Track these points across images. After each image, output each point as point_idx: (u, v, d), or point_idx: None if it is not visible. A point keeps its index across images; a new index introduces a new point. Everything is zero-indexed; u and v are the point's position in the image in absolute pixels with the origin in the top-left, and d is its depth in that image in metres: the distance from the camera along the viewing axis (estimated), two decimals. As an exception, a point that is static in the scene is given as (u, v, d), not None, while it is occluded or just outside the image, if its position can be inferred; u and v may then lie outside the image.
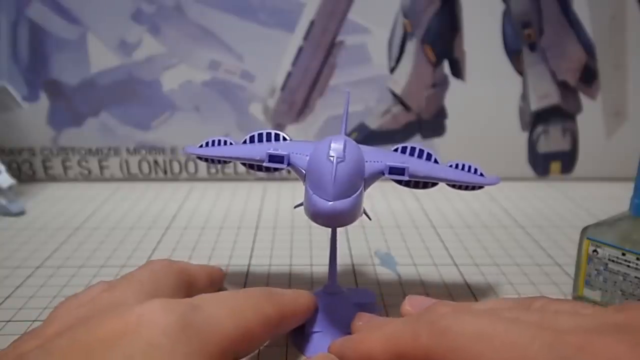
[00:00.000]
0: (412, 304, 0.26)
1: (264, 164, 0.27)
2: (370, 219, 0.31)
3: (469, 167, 0.28)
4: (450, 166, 0.28)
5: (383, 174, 0.26)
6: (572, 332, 0.17)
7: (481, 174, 0.28)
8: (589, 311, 0.20)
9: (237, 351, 0.22)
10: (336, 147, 0.24)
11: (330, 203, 0.24)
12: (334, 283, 0.30)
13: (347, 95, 0.30)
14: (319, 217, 0.24)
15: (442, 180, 0.27)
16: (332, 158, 0.24)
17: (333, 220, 0.25)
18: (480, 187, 0.29)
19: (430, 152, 0.27)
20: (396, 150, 0.28)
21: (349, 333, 0.27)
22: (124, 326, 0.19)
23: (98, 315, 0.20)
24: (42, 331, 0.21)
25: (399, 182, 0.27)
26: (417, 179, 0.27)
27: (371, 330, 0.23)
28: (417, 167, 0.26)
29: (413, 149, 0.27)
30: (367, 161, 0.26)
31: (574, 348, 0.17)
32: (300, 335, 0.28)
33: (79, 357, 0.18)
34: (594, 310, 0.20)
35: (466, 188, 0.29)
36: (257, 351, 0.27)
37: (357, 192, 0.25)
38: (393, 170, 0.26)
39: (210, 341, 0.20)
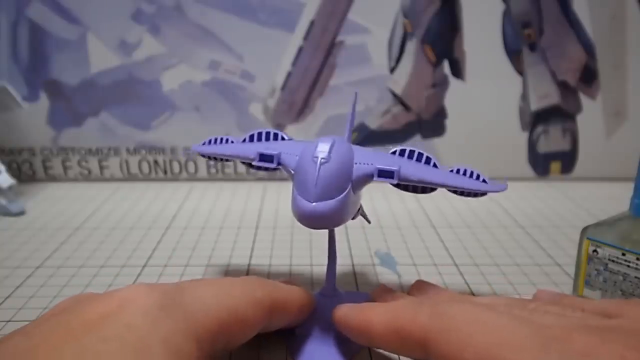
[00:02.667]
0: (418, 288, 0.29)
1: (254, 163, 0.27)
2: (369, 222, 0.31)
3: (471, 173, 0.27)
4: (452, 171, 0.27)
5: (373, 176, 0.25)
6: (556, 327, 0.19)
7: (484, 181, 0.27)
8: (577, 314, 0.21)
9: (229, 335, 0.22)
10: (322, 148, 0.24)
11: (312, 204, 0.23)
12: (330, 285, 0.29)
13: (354, 96, 0.30)
14: (302, 218, 0.24)
15: (437, 185, 0.26)
16: (316, 159, 0.24)
17: (315, 222, 0.24)
18: (483, 194, 0.27)
19: (429, 156, 0.26)
20: (394, 152, 0.27)
21: (342, 336, 0.27)
22: (106, 310, 0.20)
23: (85, 301, 0.21)
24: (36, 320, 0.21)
25: (398, 185, 0.26)
26: (409, 183, 0.26)
27: (376, 304, 0.24)
28: (411, 170, 0.25)
29: (412, 152, 0.26)
30: (356, 163, 0.25)
31: (554, 338, 0.18)
32: (292, 337, 0.27)
33: (57, 340, 0.18)
34: (582, 314, 0.21)
35: (468, 194, 0.27)
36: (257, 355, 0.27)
37: (343, 194, 0.24)
38: (382, 173, 0.25)
39: (196, 321, 0.20)
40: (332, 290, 0.29)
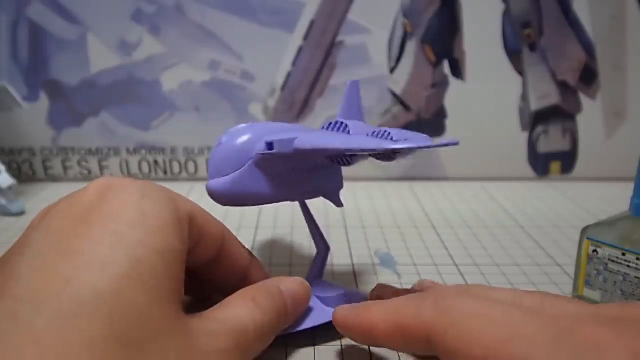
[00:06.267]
0: (421, 286, 0.28)
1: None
2: (338, 205, 0.30)
3: (388, 134, 0.25)
4: (368, 135, 0.26)
5: (264, 149, 0.26)
6: (567, 319, 0.19)
7: (392, 139, 0.24)
8: (582, 305, 0.21)
9: (200, 233, 0.24)
10: (226, 133, 0.27)
11: (209, 182, 0.27)
12: (311, 274, 0.30)
13: (350, 85, 0.30)
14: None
15: (329, 150, 0.25)
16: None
17: (214, 198, 0.27)
18: (391, 156, 0.25)
19: (348, 125, 0.26)
20: (323, 127, 0.28)
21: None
22: (94, 197, 0.21)
23: (62, 203, 0.22)
24: None
25: (339, 161, 0.27)
26: (305, 152, 0.25)
27: (376, 302, 0.24)
28: (308, 141, 0.24)
29: (336, 123, 0.27)
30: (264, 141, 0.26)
31: (567, 330, 0.18)
32: None
33: (64, 235, 0.20)
34: (587, 305, 0.21)
35: (383, 157, 0.26)
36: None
37: (236, 171, 0.26)
38: (268, 146, 0.26)
39: (179, 204, 0.23)
40: (312, 278, 0.30)
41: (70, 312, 0.17)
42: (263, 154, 0.25)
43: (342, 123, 0.27)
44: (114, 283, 0.18)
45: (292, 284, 0.26)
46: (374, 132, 0.26)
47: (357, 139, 0.25)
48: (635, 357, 0.16)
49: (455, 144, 0.23)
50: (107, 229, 0.20)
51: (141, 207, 0.21)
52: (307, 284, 0.27)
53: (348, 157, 0.26)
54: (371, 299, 0.29)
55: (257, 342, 0.23)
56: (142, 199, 0.21)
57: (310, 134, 0.25)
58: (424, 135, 0.25)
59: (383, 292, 0.29)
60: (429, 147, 0.23)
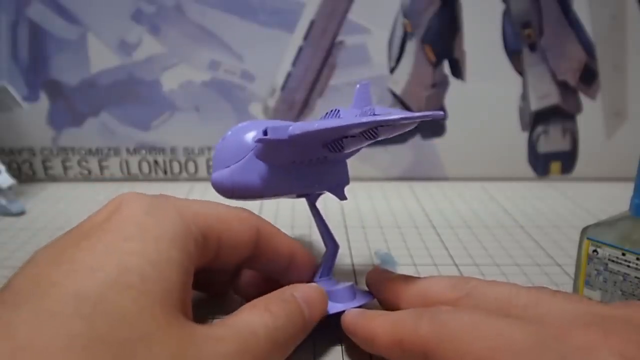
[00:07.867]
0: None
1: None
2: (341, 199, 0.30)
3: (369, 110, 0.27)
4: (356, 116, 0.27)
5: (260, 138, 0.26)
6: (555, 324, 0.19)
7: (374, 114, 0.26)
8: (578, 302, 0.21)
9: (219, 240, 0.24)
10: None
11: (212, 175, 0.28)
12: (318, 269, 0.30)
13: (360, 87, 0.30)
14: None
15: (324, 130, 0.25)
16: None
17: (217, 189, 0.28)
18: (373, 132, 0.25)
19: (340, 110, 0.27)
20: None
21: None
22: (103, 216, 0.22)
23: (74, 227, 0.22)
24: None
25: (333, 147, 0.27)
26: (295, 138, 0.25)
27: (383, 313, 0.25)
28: (300, 127, 0.25)
29: (330, 111, 0.28)
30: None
31: (553, 335, 0.18)
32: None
33: (70, 251, 0.20)
34: (583, 302, 0.22)
35: (374, 135, 0.25)
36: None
37: (235, 163, 0.27)
38: (263, 133, 0.26)
39: (187, 218, 0.23)
40: (322, 276, 0.30)
41: (50, 312, 0.17)
42: (260, 139, 0.26)
43: (335, 110, 0.28)
44: (99, 287, 0.18)
45: (306, 290, 0.26)
46: (360, 113, 0.27)
47: (344, 119, 0.26)
48: (622, 359, 0.16)
49: (440, 115, 0.23)
50: (102, 241, 0.20)
51: (141, 221, 0.21)
52: (323, 289, 0.27)
53: (340, 142, 0.26)
54: (367, 283, 0.29)
55: (270, 348, 0.22)
56: (144, 214, 0.22)
57: (304, 123, 0.26)
58: (407, 111, 0.26)
59: (379, 279, 0.29)
60: (409, 118, 0.23)
